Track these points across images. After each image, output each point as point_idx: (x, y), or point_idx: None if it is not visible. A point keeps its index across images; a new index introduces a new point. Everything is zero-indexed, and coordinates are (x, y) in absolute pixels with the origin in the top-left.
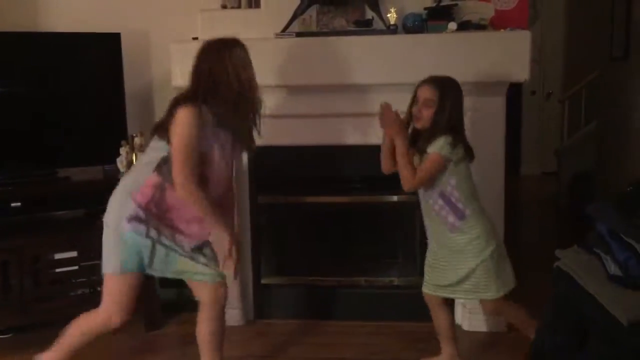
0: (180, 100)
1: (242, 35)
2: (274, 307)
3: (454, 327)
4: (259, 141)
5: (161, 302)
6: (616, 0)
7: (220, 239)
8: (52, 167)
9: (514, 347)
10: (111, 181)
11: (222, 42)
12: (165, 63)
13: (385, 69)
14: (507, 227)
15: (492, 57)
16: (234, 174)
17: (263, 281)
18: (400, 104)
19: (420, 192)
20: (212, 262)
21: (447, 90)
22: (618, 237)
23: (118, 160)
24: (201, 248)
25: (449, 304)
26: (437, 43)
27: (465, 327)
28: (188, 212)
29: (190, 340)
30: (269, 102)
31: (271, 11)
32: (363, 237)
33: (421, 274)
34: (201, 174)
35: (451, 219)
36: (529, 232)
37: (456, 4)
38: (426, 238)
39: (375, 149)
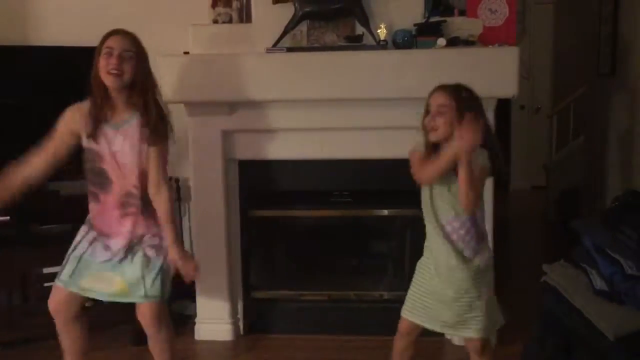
0: None
1: (233, 50)
2: (264, 322)
3: None
4: (249, 155)
5: None
6: (603, 17)
7: None
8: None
9: None
10: None
11: None
12: (157, 77)
13: (375, 84)
14: (496, 241)
15: (481, 72)
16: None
17: (253, 295)
18: (390, 120)
19: (441, 216)
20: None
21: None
22: (604, 252)
23: None
24: None
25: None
26: (426, 59)
27: (455, 341)
28: None
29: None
30: (259, 116)
31: (262, 26)
32: (353, 250)
33: None
34: None
35: (473, 243)
36: (518, 246)
37: (445, 21)
38: (416, 252)
39: (366, 163)
